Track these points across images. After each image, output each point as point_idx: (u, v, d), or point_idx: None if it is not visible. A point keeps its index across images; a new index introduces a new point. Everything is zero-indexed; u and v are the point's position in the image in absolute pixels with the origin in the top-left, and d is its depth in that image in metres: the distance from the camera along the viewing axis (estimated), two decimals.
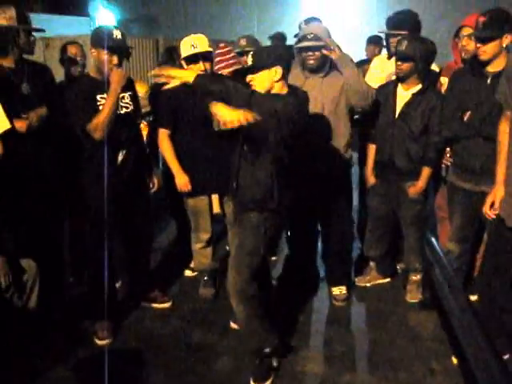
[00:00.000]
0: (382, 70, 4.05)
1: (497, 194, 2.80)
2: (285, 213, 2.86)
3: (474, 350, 2.60)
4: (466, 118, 3.22)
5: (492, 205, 2.82)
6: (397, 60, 3.49)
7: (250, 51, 4.20)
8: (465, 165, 3.29)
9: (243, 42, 4.42)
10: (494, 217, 2.82)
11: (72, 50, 4.10)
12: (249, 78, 2.66)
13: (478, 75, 3.19)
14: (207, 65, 3.45)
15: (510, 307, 2.83)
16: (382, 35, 4.50)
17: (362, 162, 4.18)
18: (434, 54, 3.64)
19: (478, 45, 3.06)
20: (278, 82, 2.63)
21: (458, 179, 3.38)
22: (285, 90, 2.67)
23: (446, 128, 3.39)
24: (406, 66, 3.44)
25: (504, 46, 3.03)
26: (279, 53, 2.66)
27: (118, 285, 3.82)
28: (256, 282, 2.81)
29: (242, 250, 2.78)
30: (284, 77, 2.65)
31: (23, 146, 3.14)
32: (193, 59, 3.42)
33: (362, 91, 3.40)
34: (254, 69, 2.64)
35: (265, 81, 2.63)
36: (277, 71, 2.60)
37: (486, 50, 3.04)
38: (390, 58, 4.00)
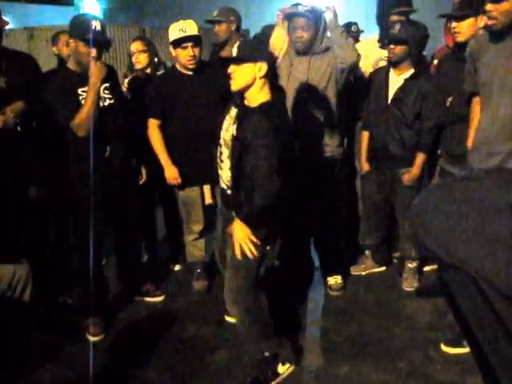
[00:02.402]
0: (367, 55, 3.98)
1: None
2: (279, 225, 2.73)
3: (488, 335, 2.56)
4: (448, 103, 3.18)
5: None
6: (389, 43, 3.42)
7: (220, 21, 4.14)
8: (452, 149, 3.25)
9: (215, 12, 4.25)
10: None
11: (64, 39, 4.01)
12: (231, 68, 2.46)
13: (459, 59, 3.13)
14: (196, 50, 3.36)
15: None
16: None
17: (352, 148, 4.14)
18: (426, 38, 3.60)
19: (454, 24, 3.04)
20: (261, 78, 2.45)
21: (447, 164, 3.34)
22: (265, 93, 2.48)
23: (433, 114, 3.36)
24: (399, 49, 3.38)
25: (480, 26, 2.98)
26: (267, 48, 2.55)
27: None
28: (257, 290, 2.71)
29: (235, 265, 2.62)
30: (267, 75, 2.46)
31: (1, 142, 3.05)
32: (181, 44, 3.33)
33: (347, 44, 3.31)
34: (238, 59, 2.46)
35: (247, 74, 2.43)
36: (262, 67, 2.43)
37: (461, 30, 2.99)
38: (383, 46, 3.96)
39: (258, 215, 2.45)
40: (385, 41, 3.90)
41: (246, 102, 2.52)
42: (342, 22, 3.59)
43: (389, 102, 3.53)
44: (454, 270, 0.67)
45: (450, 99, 3.16)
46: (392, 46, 3.40)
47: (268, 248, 2.62)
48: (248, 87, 2.46)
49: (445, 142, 3.35)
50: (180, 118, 3.45)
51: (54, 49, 4.19)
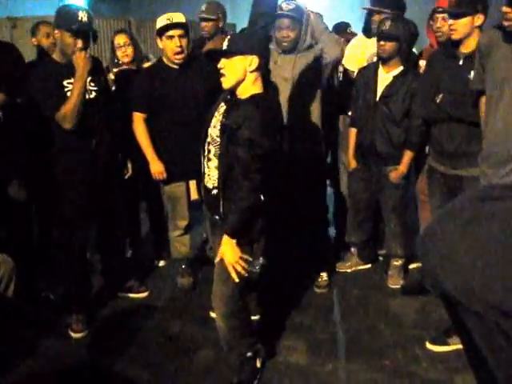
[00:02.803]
0: (363, 51, 3.97)
1: None
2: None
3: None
4: (438, 101, 3.17)
5: None
6: (379, 40, 3.40)
7: (207, 19, 4.11)
8: (440, 147, 3.24)
9: (203, 7, 4.20)
10: None
11: (44, 30, 3.94)
12: (221, 63, 2.38)
13: (451, 57, 3.12)
14: (183, 41, 3.30)
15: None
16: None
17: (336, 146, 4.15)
18: (416, 36, 3.58)
19: (450, 21, 2.99)
20: (252, 72, 2.37)
21: (435, 162, 3.33)
22: (257, 87, 2.41)
23: (421, 111, 3.34)
24: (389, 45, 3.37)
25: (476, 25, 2.96)
26: (258, 40, 2.43)
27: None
28: (243, 295, 2.64)
29: (223, 274, 2.54)
30: (260, 69, 2.39)
31: None
32: (168, 31, 3.26)
33: (330, 39, 3.33)
34: (228, 53, 2.37)
35: (238, 69, 2.35)
36: (253, 60, 2.35)
37: (458, 28, 2.95)
38: (369, 37, 3.94)
39: (242, 220, 2.40)
40: (368, 31, 3.94)
41: (236, 95, 2.46)
42: (331, 18, 3.58)
43: (377, 99, 3.52)
44: (476, 316, 0.59)
45: (440, 96, 3.14)
46: (382, 43, 3.38)
47: (253, 251, 2.55)
48: (239, 83, 2.39)
49: (433, 139, 3.34)
50: (166, 112, 3.40)
51: (34, 40, 4.12)
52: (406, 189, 3.65)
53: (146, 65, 3.95)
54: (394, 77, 3.46)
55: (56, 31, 3.00)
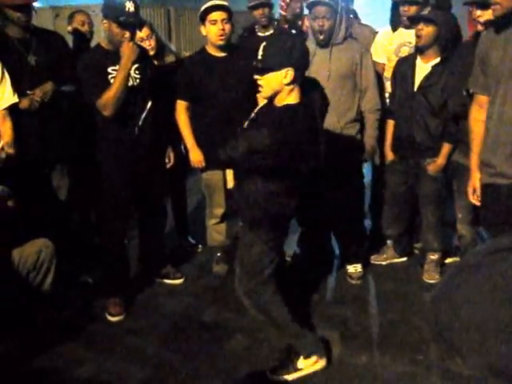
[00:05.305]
0: (390, 42, 3.93)
1: (475, 181, 2.81)
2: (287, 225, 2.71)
3: None
4: (464, 92, 3.11)
5: (474, 191, 2.83)
6: (417, 23, 3.33)
7: (264, 4, 4.10)
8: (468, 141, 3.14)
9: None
10: (479, 204, 2.83)
11: (79, 19, 4.01)
12: (256, 77, 2.38)
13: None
14: (226, 26, 3.29)
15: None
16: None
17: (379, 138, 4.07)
18: (456, 27, 3.51)
19: (479, 12, 2.96)
20: (288, 85, 2.35)
21: (463, 156, 3.25)
22: (293, 97, 2.38)
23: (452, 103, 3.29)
24: (427, 30, 3.30)
25: None
26: (293, 52, 2.34)
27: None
28: (270, 288, 2.66)
29: (244, 261, 2.63)
30: (296, 81, 2.35)
31: (30, 122, 3.07)
32: (211, 13, 3.26)
33: (376, 92, 3.50)
34: (262, 69, 2.36)
35: (273, 82, 2.34)
36: (288, 73, 2.31)
37: (486, 18, 2.92)
38: (395, 29, 3.93)
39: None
40: (395, 23, 3.92)
41: (273, 103, 2.45)
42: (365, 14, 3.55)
43: (415, 89, 3.46)
44: None
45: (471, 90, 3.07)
46: (420, 27, 3.31)
47: (272, 240, 2.58)
48: (276, 94, 2.39)
49: (459, 132, 3.28)
50: (208, 101, 3.42)
51: (69, 27, 4.20)
52: (444, 182, 3.58)
53: (169, 58, 3.92)
54: (433, 67, 3.40)
55: (104, 21, 3.05)
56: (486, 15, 2.93)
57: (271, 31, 4.33)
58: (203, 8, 3.30)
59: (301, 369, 2.76)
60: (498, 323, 0.51)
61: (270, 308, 2.67)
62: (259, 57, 2.36)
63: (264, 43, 2.41)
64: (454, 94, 3.23)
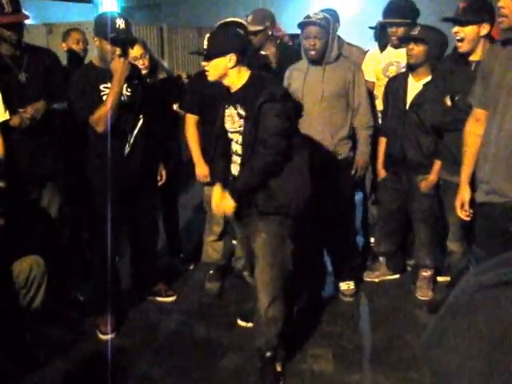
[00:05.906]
0: (378, 62, 3.99)
1: (464, 194, 2.80)
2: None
3: None
4: (448, 102, 3.15)
5: (462, 206, 2.81)
6: (408, 43, 3.39)
7: (255, 32, 3.96)
8: (454, 157, 3.16)
9: (249, 18, 3.90)
10: (468, 219, 2.82)
11: (74, 37, 4.03)
12: (204, 63, 2.68)
13: (461, 64, 3.13)
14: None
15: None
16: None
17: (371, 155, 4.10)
18: (445, 45, 3.56)
19: (455, 28, 3.02)
20: (232, 68, 2.57)
21: (449, 173, 3.25)
22: (243, 76, 2.60)
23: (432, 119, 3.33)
24: (418, 49, 3.35)
25: (482, 34, 2.99)
26: (234, 39, 2.64)
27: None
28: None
29: (271, 261, 2.68)
30: (240, 62, 2.59)
31: (21, 140, 3.07)
32: None
33: (368, 108, 3.54)
34: (209, 56, 2.62)
35: (218, 67, 2.59)
36: (231, 59, 2.55)
37: (464, 36, 2.98)
38: (382, 50, 4.01)
39: (252, 181, 2.58)
40: (383, 43, 4.02)
41: (232, 90, 2.64)
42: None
43: (407, 107, 3.49)
44: None
45: (456, 98, 3.10)
46: (411, 46, 3.36)
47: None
48: (223, 77, 2.61)
49: (444, 149, 3.29)
50: (214, 114, 3.41)
51: (64, 45, 4.22)
52: (437, 198, 3.59)
53: (162, 75, 3.92)
54: (424, 85, 3.44)
55: (95, 38, 3.07)
56: (463, 32, 2.99)
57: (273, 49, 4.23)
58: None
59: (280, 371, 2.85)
60: (472, 373, 0.51)
61: (282, 307, 2.77)
62: (205, 46, 2.66)
63: (208, 34, 2.74)
64: (432, 106, 3.27)
